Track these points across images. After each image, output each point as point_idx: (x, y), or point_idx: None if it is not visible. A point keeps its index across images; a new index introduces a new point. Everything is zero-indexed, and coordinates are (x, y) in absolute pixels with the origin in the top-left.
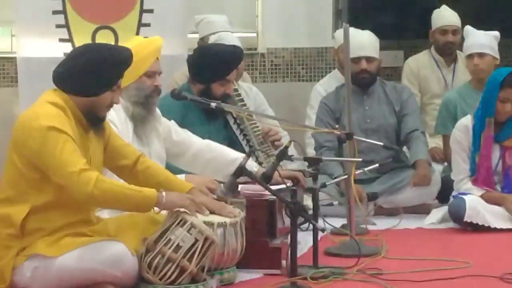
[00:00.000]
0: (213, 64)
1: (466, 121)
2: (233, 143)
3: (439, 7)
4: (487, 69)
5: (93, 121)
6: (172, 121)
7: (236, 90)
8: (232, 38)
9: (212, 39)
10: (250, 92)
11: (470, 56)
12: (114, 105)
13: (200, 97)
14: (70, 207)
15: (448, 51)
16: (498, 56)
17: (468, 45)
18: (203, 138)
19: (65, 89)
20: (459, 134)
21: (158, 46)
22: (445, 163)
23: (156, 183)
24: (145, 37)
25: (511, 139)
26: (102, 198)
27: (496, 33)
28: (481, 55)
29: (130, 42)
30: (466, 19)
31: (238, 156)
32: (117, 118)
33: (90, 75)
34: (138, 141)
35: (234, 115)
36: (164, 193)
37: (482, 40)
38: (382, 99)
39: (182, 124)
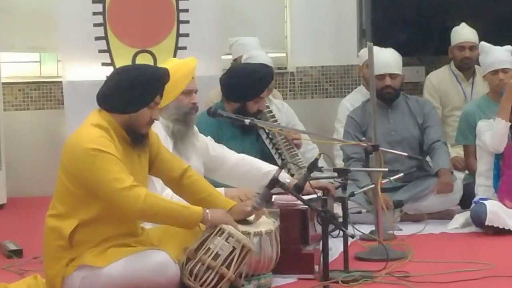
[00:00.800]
0: (247, 84)
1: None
2: (266, 157)
3: (458, 25)
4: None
5: (135, 138)
6: (209, 137)
7: (267, 106)
8: (263, 56)
9: (244, 58)
10: (282, 108)
11: (495, 72)
12: (155, 125)
13: (235, 114)
14: (116, 220)
15: (466, 66)
16: None
17: (490, 62)
18: (238, 152)
19: (106, 108)
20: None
21: (193, 66)
22: (466, 171)
23: (200, 198)
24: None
25: None
26: (151, 213)
27: (510, 48)
28: (504, 70)
29: (167, 64)
30: (484, 35)
31: (271, 168)
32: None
33: (127, 92)
34: (178, 157)
35: (267, 131)
36: (208, 211)
37: (504, 56)
38: (405, 112)
39: (217, 140)
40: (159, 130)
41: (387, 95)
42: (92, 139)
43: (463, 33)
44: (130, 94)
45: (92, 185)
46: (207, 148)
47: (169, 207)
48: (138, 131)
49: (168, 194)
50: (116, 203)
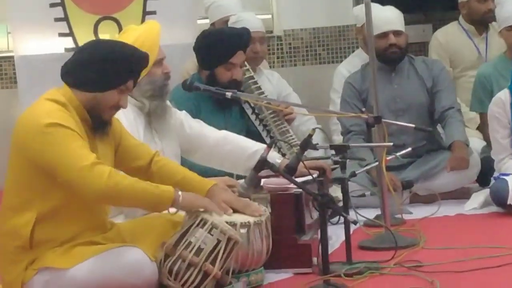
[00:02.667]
0: (213, 46)
1: (504, 96)
2: (252, 135)
3: None
4: None
5: (97, 123)
6: (184, 112)
7: (252, 77)
8: (252, 19)
9: (231, 21)
10: (272, 78)
11: (511, 28)
12: None
13: (207, 84)
14: (80, 213)
15: (489, 20)
16: None
17: (506, 16)
18: (219, 129)
19: (70, 81)
20: (496, 110)
21: (158, 31)
22: (484, 143)
23: (173, 183)
24: (138, 25)
25: None
26: (116, 193)
27: None
28: None
29: (127, 34)
30: None
31: (259, 147)
32: (124, 119)
33: (99, 67)
34: (150, 138)
35: (252, 105)
36: (180, 193)
37: None
38: (411, 75)
39: (195, 115)
40: (127, 112)
41: (392, 55)
42: (47, 113)
43: None
44: (102, 70)
45: (49, 165)
46: (182, 126)
47: (136, 186)
48: (100, 115)
49: None
50: (77, 184)
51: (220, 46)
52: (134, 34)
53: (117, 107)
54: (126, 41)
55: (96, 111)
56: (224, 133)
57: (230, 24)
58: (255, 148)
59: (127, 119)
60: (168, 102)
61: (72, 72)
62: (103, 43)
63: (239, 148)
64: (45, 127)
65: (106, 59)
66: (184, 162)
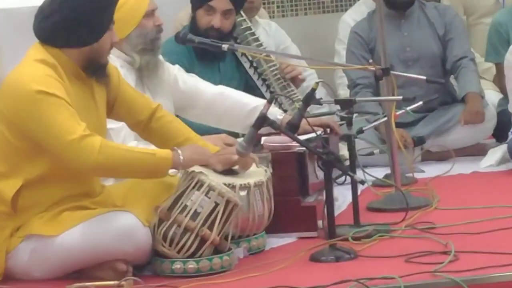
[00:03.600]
0: None
1: None
2: (250, 90)
3: None
4: None
5: (94, 70)
6: (177, 66)
7: (249, 28)
8: None
9: None
10: (269, 29)
11: None
12: (110, 60)
13: (190, 29)
14: (68, 177)
15: None
16: None
17: None
18: (214, 84)
19: (58, 44)
20: None
21: None
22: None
23: (174, 144)
24: None
25: None
26: (109, 166)
27: None
28: None
29: None
30: None
31: (258, 103)
32: None
33: (85, 22)
34: (144, 94)
35: (250, 58)
36: (179, 151)
37: None
38: (422, 22)
39: (188, 69)
40: (117, 67)
41: (400, 0)
42: (35, 78)
43: None
44: (89, 23)
45: (36, 136)
46: (176, 81)
47: (130, 157)
48: (98, 62)
49: None
50: (66, 157)
51: None
52: None
53: (111, 45)
54: None
55: (95, 60)
56: (221, 88)
57: None
58: (254, 104)
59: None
60: (160, 57)
61: (57, 33)
62: None
63: (237, 104)
64: (32, 94)
65: (87, 6)
66: None
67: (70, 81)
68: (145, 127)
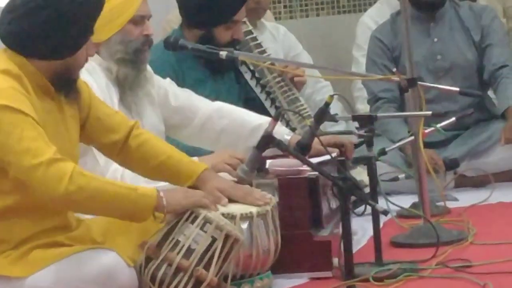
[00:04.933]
0: (215, 2)
1: None
2: (251, 105)
3: None
4: None
5: (64, 85)
6: (168, 80)
7: (250, 32)
8: None
9: None
10: (277, 34)
11: None
12: (92, 68)
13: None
14: (39, 209)
15: None
16: None
17: None
18: (210, 100)
19: (25, 52)
20: None
21: None
22: None
23: (156, 164)
24: None
25: None
26: (80, 198)
27: None
28: None
29: None
30: None
31: (262, 121)
32: (95, 85)
33: (63, 31)
34: (126, 112)
35: (251, 67)
36: (162, 193)
37: None
38: (455, 26)
39: (178, 84)
40: (97, 77)
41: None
42: None
43: None
44: (69, 31)
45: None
46: (166, 97)
47: (107, 190)
48: (69, 77)
49: (117, 170)
50: (30, 184)
51: (221, 1)
52: None
53: (86, 60)
54: None
55: (65, 76)
56: (219, 104)
57: None
58: (258, 121)
59: (99, 86)
60: (149, 68)
61: (27, 40)
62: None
63: (238, 122)
64: None
65: (65, 14)
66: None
67: (37, 95)
68: (122, 148)
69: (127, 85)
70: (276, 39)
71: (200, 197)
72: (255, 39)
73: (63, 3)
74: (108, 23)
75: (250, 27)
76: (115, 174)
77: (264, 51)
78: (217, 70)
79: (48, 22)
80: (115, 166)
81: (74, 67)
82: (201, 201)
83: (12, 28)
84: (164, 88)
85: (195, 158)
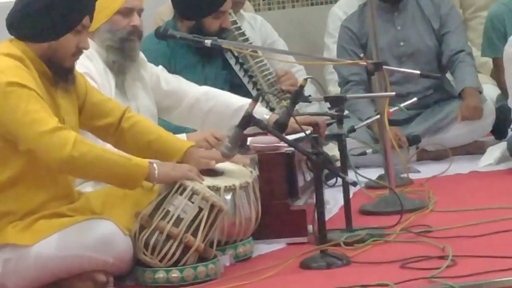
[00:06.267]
0: None
1: None
2: (236, 88)
3: None
4: None
5: (58, 73)
6: (160, 67)
7: (235, 22)
8: None
9: None
10: (254, 23)
11: None
12: (89, 53)
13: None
14: (43, 182)
15: None
16: None
17: None
18: (198, 85)
19: (20, 36)
20: None
21: None
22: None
23: (146, 142)
24: None
25: None
26: (82, 163)
27: None
28: None
29: None
30: None
31: (244, 102)
32: (94, 70)
33: (44, 15)
34: (121, 96)
35: (235, 54)
36: (155, 165)
37: None
38: (416, 15)
39: (170, 70)
40: (96, 63)
41: None
42: (5, 70)
43: None
44: (49, 16)
45: (5, 129)
46: (158, 82)
47: (105, 157)
48: (61, 64)
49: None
50: (37, 150)
51: None
52: None
53: (78, 52)
54: None
55: (56, 60)
56: (206, 88)
57: None
58: (240, 103)
59: (98, 70)
60: (143, 56)
61: (18, 24)
62: None
63: (222, 104)
64: (4, 85)
65: (52, 3)
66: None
67: (40, 80)
68: (116, 129)
69: (117, 70)
70: (254, 28)
71: (187, 170)
72: (239, 28)
73: None
74: (97, 14)
75: (235, 18)
76: None
77: (247, 39)
78: (205, 57)
79: (33, 6)
80: (108, 147)
81: (61, 53)
82: (187, 174)
83: (11, 13)
84: (156, 74)
85: (183, 135)
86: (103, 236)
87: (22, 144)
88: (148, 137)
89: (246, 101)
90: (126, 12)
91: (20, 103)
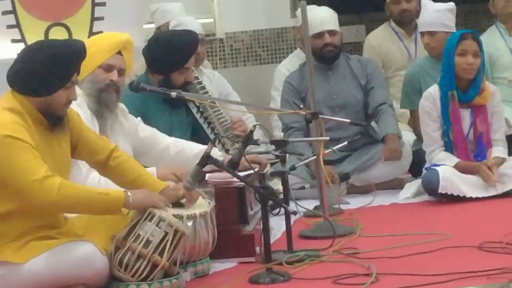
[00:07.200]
0: (170, 53)
1: (433, 91)
2: (197, 132)
3: None
4: (439, 46)
5: (53, 120)
6: (139, 118)
7: (197, 77)
8: (192, 22)
9: (172, 25)
10: (212, 77)
11: (421, 34)
12: (79, 101)
13: (160, 87)
14: (34, 212)
15: (405, 19)
16: (452, 29)
17: (419, 22)
18: (166, 129)
19: (18, 90)
20: (427, 105)
21: (120, 41)
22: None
23: (129, 180)
24: (100, 31)
25: (479, 97)
26: (67, 204)
27: (451, 5)
28: (431, 33)
29: (96, 36)
30: None
31: (203, 148)
32: (83, 115)
33: (39, 74)
34: (104, 137)
35: (197, 104)
36: (129, 193)
37: (432, 18)
38: (347, 73)
39: (143, 116)
40: (84, 108)
41: (327, 53)
42: (4, 124)
43: None
44: (43, 76)
45: (4, 175)
46: (136, 130)
47: (86, 196)
48: (54, 114)
49: (94, 178)
50: (29, 196)
51: (175, 52)
52: (99, 35)
53: (68, 102)
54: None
55: (50, 111)
56: (174, 138)
57: (171, 28)
58: (200, 148)
59: (85, 116)
60: (124, 107)
61: (17, 81)
62: (39, 47)
63: (186, 149)
64: (2, 138)
65: (45, 63)
66: None
67: (36, 127)
68: (104, 166)
69: (97, 116)
70: (212, 82)
71: (157, 199)
72: (200, 82)
73: (44, 53)
74: (84, 67)
75: (196, 74)
76: (94, 181)
77: (206, 92)
78: (172, 106)
79: (29, 65)
80: (94, 174)
81: (54, 105)
82: (157, 203)
83: (10, 71)
84: (135, 123)
85: (153, 169)
86: (84, 255)
87: (14, 188)
88: (130, 176)
89: (205, 147)
90: (107, 67)
91: (14, 153)
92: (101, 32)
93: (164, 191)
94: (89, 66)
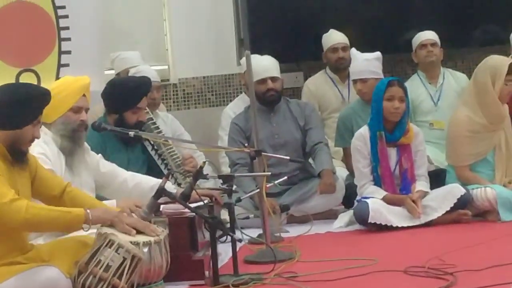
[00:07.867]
0: (123, 94)
1: (364, 131)
2: (152, 168)
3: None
4: (370, 91)
5: (16, 155)
6: (100, 155)
7: (151, 119)
8: (149, 69)
9: (131, 73)
10: (166, 119)
11: (354, 81)
12: (46, 139)
13: (116, 126)
14: (3, 237)
15: (341, 67)
16: (380, 75)
17: (351, 71)
18: (123, 164)
19: None
20: (358, 144)
21: (84, 84)
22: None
23: None
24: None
25: (404, 137)
26: (34, 223)
27: (377, 54)
28: (363, 80)
29: (59, 80)
30: (354, 41)
31: (158, 181)
32: (50, 152)
33: (13, 109)
34: (69, 172)
35: (152, 142)
36: (89, 211)
37: (362, 66)
38: (287, 115)
39: (103, 153)
40: (51, 146)
41: (270, 97)
42: None
43: (333, 36)
44: (16, 111)
45: None
46: (98, 165)
47: (51, 215)
48: (19, 148)
49: None
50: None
51: (128, 94)
52: (63, 80)
53: (33, 139)
54: (51, 86)
55: (17, 145)
56: (131, 172)
57: (130, 74)
58: (156, 181)
59: (52, 153)
60: (86, 145)
61: None
62: (13, 86)
63: (143, 183)
64: None
65: (19, 100)
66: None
67: (2, 161)
68: (59, 200)
69: (67, 153)
70: (166, 123)
71: (113, 216)
72: (154, 123)
73: (18, 91)
74: (55, 110)
75: (151, 115)
76: None
77: (160, 132)
78: (129, 144)
79: (4, 102)
80: None
81: (21, 140)
82: (113, 219)
83: None
84: (96, 159)
85: (113, 202)
86: (49, 279)
87: None
88: (86, 206)
89: (160, 180)
90: (76, 110)
91: None
92: None
93: (118, 215)
94: (61, 109)
